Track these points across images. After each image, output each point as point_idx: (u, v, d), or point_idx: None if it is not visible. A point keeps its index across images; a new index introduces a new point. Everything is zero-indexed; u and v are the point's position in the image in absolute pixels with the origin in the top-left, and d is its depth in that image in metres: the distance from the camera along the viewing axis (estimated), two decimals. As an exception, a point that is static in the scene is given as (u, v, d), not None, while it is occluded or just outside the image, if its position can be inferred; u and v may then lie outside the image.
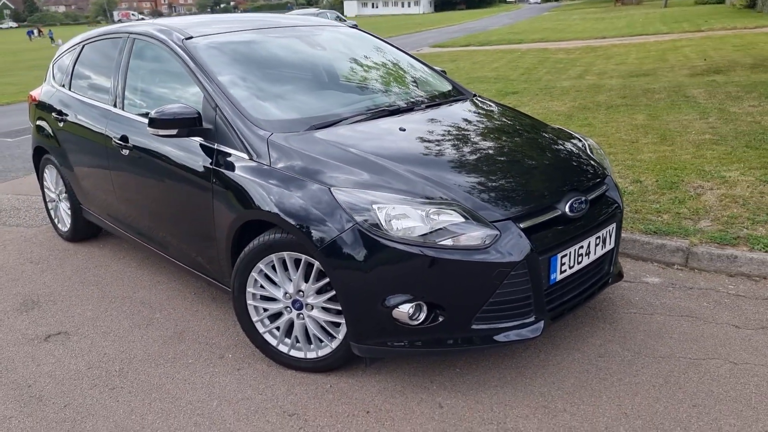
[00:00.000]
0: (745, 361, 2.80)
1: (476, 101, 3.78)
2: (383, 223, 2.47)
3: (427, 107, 3.49)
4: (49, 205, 4.93)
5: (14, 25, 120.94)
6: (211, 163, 3.02)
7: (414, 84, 3.88)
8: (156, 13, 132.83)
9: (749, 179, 4.73)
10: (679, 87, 9.26)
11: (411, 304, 2.48)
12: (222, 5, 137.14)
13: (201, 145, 3.09)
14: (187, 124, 3.00)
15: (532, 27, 30.12)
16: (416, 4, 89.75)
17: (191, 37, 3.47)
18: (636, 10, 38.81)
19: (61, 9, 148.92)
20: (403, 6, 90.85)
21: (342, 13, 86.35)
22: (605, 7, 48.41)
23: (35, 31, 65.81)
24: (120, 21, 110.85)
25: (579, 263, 2.76)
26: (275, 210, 2.67)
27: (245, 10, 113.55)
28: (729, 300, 3.36)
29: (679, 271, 3.73)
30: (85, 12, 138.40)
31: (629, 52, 15.03)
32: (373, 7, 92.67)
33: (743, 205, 4.25)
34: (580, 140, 3.42)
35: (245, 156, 2.89)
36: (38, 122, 4.72)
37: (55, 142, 4.44)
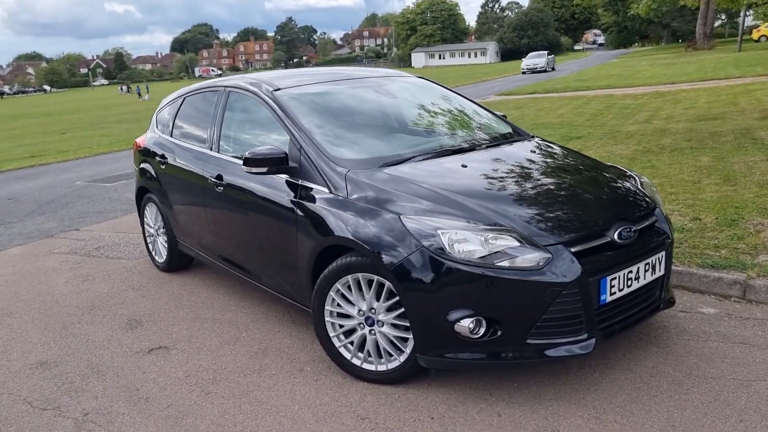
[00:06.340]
0: (795, 384, 2.92)
1: (533, 142, 4.09)
2: (447, 247, 2.79)
3: (487, 147, 3.83)
4: (148, 240, 5.51)
5: (105, 82, 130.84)
6: (295, 197, 3.45)
7: (474, 126, 4.24)
8: (234, 69, 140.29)
9: (812, 217, 4.78)
10: (747, 130, 9.22)
11: (471, 319, 2.78)
12: (295, 60, 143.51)
13: (287, 181, 3.53)
14: (275, 163, 3.46)
15: (599, 74, 30.15)
16: (483, 54, 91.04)
17: (279, 89, 3.98)
18: (708, 54, 38.05)
19: (148, 67, 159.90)
20: (469, 56, 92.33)
21: (410, 65, 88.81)
22: (676, 52, 47.72)
23: (125, 87, 71.03)
24: (201, 77, 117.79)
25: (629, 287, 2.98)
26: (352, 236, 3.05)
27: (317, 64, 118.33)
28: (785, 329, 3.46)
29: (736, 303, 3.85)
30: (169, 69, 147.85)
31: (699, 97, 14.94)
32: (440, 58, 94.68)
33: (804, 241, 4.32)
34: (633, 177, 3.67)
35: (325, 190, 3.31)
36: (142, 165, 5.35)
37: (157, 183, 5.03)
